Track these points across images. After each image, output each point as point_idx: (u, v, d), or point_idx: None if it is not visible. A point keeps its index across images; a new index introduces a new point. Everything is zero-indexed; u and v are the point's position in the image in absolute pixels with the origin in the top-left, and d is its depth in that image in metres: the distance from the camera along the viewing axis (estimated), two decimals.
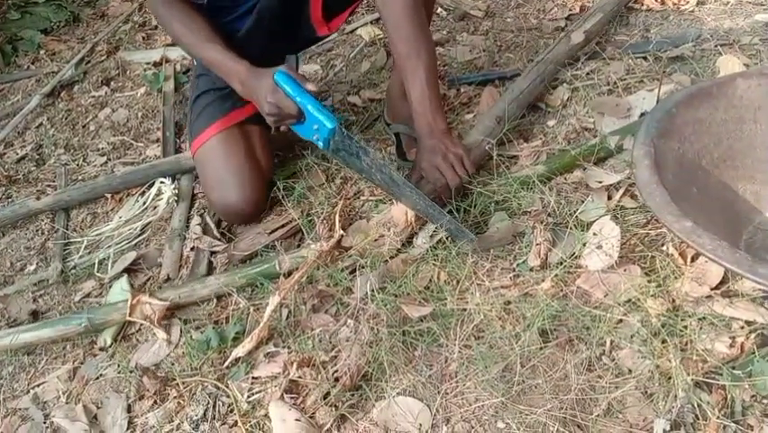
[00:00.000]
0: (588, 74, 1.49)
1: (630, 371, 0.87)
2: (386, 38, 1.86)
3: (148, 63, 2.02)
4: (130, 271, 1.34)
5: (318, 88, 1.28)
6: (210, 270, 1.30)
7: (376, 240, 1.19)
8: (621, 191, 1.14)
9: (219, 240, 1.34)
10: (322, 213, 1.28)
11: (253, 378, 1.05)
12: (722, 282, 0.93)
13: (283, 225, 1.31)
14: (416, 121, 1.23)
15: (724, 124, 1.04)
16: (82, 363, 1.18)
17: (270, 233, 1.31)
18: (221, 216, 1.38)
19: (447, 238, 1.14)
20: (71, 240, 1.46)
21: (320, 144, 1.15)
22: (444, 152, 1.19)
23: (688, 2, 1.69)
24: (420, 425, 0.90)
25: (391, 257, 1.15)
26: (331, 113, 1.13)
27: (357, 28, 1.97)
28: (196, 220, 1.38)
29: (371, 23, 1.97)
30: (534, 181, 1.19)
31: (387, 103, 1.51)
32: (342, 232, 1.21)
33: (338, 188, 1.36)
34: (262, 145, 1.39)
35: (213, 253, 1.32)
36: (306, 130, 1.16)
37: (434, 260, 1.12)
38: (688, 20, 1.62)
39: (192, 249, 1.34)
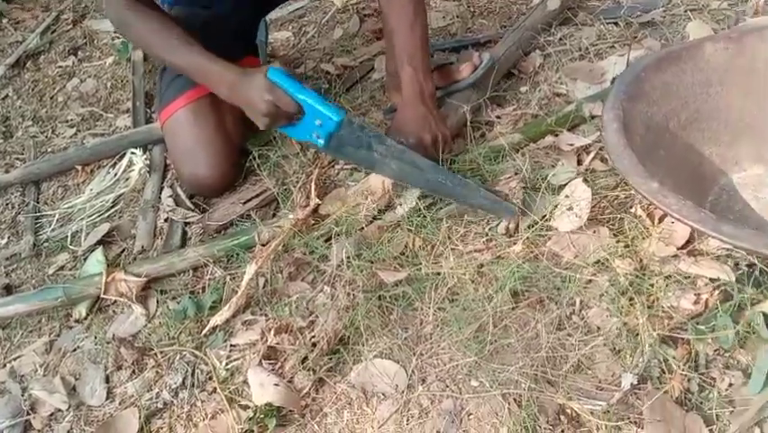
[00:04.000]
0: (560, 40, 1.49)
1: (599, 328, 0.89)
2: (358, 4, 1.84)
3: (116, 32, 1.97)
4: (104, 243, 1.33)
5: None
6: (184, 241, 1.29)
7: (353, 207, 1.20)
8: (592, 155, 1.16)
9: (193, 211, 1.33)
10: (297, 182, 1.28)
11: (231, 346, 1.06)
12: (688, 242, 0.96)
13: (258, 195, 1.30)
14: (404, 83, 1.23)
15: (691, 88, 1.06)
16: (58, 336, 1.18)
17: (245, 202, 1.30)
18: (190, 190, 1.37)
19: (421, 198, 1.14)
20: (42, 213, 1.45)
21: (319, 143, 1.12)
22: (434, 132, 1.18)
23: None
24: (396, 385, 0.92)
25: (367, 224, 1.16)
26: (336, 106, 1.10)
27: None
28: (167, 192, 1.37)
29: None
30: (508, 152, 1.20)
31: (387, 80, 1.47)
32: (317, 200, 1.22)
33: (313, 157, 1.36)
34: (234, 115, 1.37)
35: (187, 223, 1.32)
36: (302, 130, 1.13)
37: (410, 226, 1.13)
38: None
39: (166, 220, 1.34)
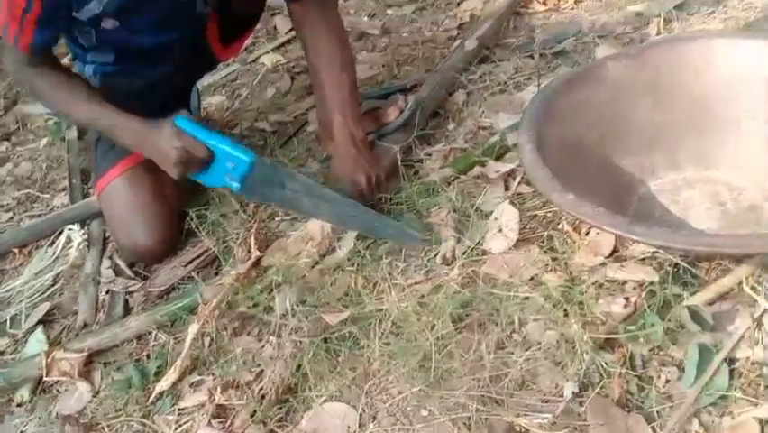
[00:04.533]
0: (480, 77, 1.56)
1: (539, 343, 0.91)
2: (288, 63, 1.90)
3: (48, 113, 1.98)
4: (45, 322, 1.30)
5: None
6: (127, 310, 1.27)
7: (295, 256, 1.21)
8: (518, 179, 1.20)
9: (133, 279, 1.31)
10: (238, 238, 1.29)
11: (180, 409, 1.04)
12: (614, 250, 0.99)
13: (198, 256, 1.30)
14: (336, 130, 1.27)
15: (600, 105, 1.11)
16: (0, 423, 1.13)
17: (186, 264, 1.30)
18: (130, 258, 1.36)
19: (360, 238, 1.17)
20: None
21: (234, 186, 1.13)
22: (369, 174, 1.23)
23: (567, 1, 1.80)
24: (348, 427, 0.91)
25: (309, 270, 1.17)
26: (247, 148, 1.12)
27: (260, 56, 2.00)
28: (106, 263, 1.36)
29: (273, 50, 2.00)
30: (439, 185, 1.24)
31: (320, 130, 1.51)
32: (258, 253, 1.22)
33: (252, 212, 1.37)
34: (171, 182, 1.38)
35: (128, 293, 1.30)
36: (215, 176, 1.14)
37: (351, 267, 1.14)
38: (568, 18, 1.73)
39: (107, 292, 1.32)
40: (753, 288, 0.88)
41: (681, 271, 0.92)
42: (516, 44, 1.65)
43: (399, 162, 1.29)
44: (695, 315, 0.85)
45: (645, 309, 0.86)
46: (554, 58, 1.54)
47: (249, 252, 1.23)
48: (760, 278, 0.89)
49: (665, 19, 1.55)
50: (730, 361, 0.82)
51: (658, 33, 1.54)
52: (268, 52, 2.00)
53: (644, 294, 0.90)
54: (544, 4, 1.81)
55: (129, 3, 1.15)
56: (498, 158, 1.30)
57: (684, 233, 0.93)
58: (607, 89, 1.12)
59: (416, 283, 1.08)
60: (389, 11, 2.07)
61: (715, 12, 1.55)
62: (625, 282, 0.93)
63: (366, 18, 2.06)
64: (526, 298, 0.97)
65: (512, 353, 0.91)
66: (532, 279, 0.99)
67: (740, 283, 0.88)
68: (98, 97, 1.20)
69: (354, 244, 1.17)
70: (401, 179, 1.28)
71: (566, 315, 0.91)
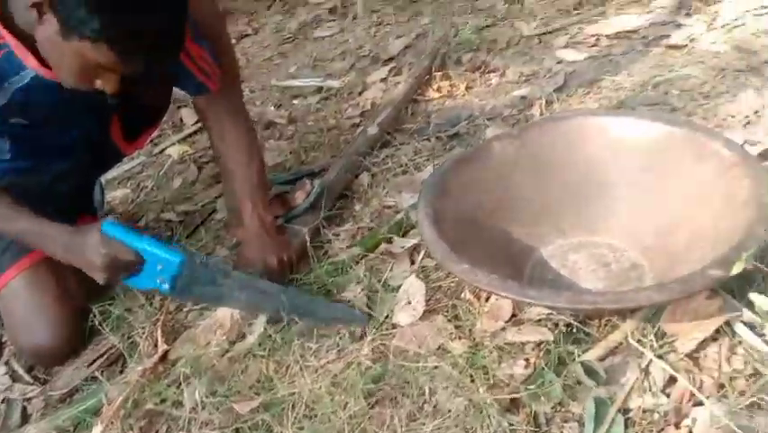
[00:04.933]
0: (383, 160, 1.64)
1: (449, 410, 0.93)
2: (195, 153, 1.92)
3: None
4: None
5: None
6: (25, 418, 1.20)
7: (204, 346, 1.19)
8: (422, 253, 1.25)
9: (32, 384, 1.24)
10: (144, 332, 1.25)
11: None
12: (513, 315, 1.05)
13: (102, 354, 1.25)
14: (245, 216, 1.31)
15: (489, 181, 1.20)
16: None
17: (90, 364, 1.24)
18: (31, 361, 1.29)
19: (270, 322, 1.17)
20: None
21: (165, 288, 1.11)
22: (279, 257, 1.26)
23: (459, 88, 1.94)
24: None
25: (219, 359, 1.15)
26: (176, 248, 1.12)
27: (166, 148, 2.01)
28: (2, 370, 1.28)
29: (179, 141, 2.03)
30: (348, 264, 1.27)
31: (229, 217, 1.52)
32: (166, 346, 1.19)
33: (159, 305, 1.34)
34: (78, 276, 1.33)
35: (27, 399, 1.22)
36: (146, 278, 1.11)
37: (262, 352, 1.13)
38: (460, 103, 1.86)
39: (3, 401, 1.24)
40: (638, 340, 0.94)
41: (574, 330, 0.98)
42: (415, 129, 1.76)
43: (308, 244, 1.32)
44: (589, 370, 0.90)
45: (543, 368, 0.90)
46: (450, 140, 1.65)
47: (155, 345, 1.20)
48: (645, 330, 0.96)
49: (547, 101, 1.70)
50: (625, 411, 0.87)
51: (541, 114, 1.68)
52: (174, 144, 2.02)
53: (541, 354, 0.95)
54: (438, 91, 1.94)
55: (32, 99, 1.15)
56: (404, 234, 1.35)
57: (568, 293, 1.00)
58: (494, 167, 1.21)
59: (328, 363, 1.08)
60: (295, 101, 2.16)
61: (590, 92, 1.73)
62: (524, 344, 0.98)
63: (272, 108, 2.13)
64: (435, 367, 1.00)
65: (424, 424, 0.92)
66: (439, 348, 1.02)
67: (627, 337, 0.95)
68: (22, 209, 1.16)
69: (265, 328, 1.17)
70: (311, 261, 1.31)
71: (472, 380, 0.94)
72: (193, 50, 1.21)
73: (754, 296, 0.87)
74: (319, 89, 2.16)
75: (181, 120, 2.18)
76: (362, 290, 1.19)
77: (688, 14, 1.93)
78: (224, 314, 1.21)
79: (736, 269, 0.82)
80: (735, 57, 1.65)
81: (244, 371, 1.11)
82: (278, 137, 1.97)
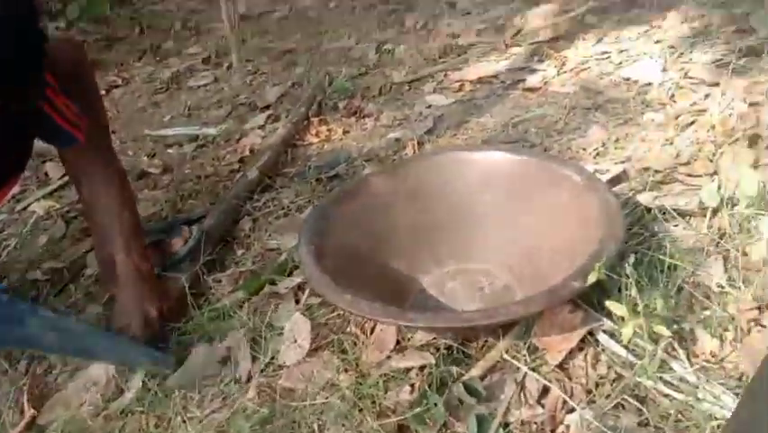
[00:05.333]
0: (264, 204, 1.64)
1: None
2: (62, 208, 1.81)
3: None
4: None
5: None
6: None
7: (77, 407, 1.11)
8: (307, 292, 1.25)
9: None
10: (8, 400, 1.15)
11: None
12: (398, 343, 1.07)
13: None
14: (119, 268, 1.24)
15: (368, 215, 1.24)
16: None
17: None
18: None
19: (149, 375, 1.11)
20: None
21: None
22: (158, 307, 1.21)
23: (336, 132, 1.99)
24: None
25: (94, 419, 1.07)
26: None
27: (30, 204, 1.88)
28: None
29: (44, 196, 1.91)
30: (230, 309, 1.25)
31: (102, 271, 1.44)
32: (33, 411, 1.10)
33: (25, 369, 1.24)
34: None
35: None
36: None
37: (141, 407, 1.07)
38: (339, 146, 1.91)
39: None
40: (513, 356, 1.00)
41: (454, 352, 1.02)
42: (295, 172, 1.77)
43: (187, 291, 1.28)
44: (470, 389, 0.94)
45: (427, 391, 0.93)
46: (329, 181, 1.69)
47: (21, 412, 1.11)
48: (518, 347, 1.02)
49: (419, 142, 1.79)
50: (505, 425, 0.91)
51: (414, 154, 1.76)
52: (39, 199, 1.89)
53: (425, 377, 0.97)
54: (317, 135, 1.98)
55: None
56: (289, 275, 1.35)
57: (446, 314, 1.04)
58: (372, 201, 1.26)
59: (213, 412, 1.05)
60: (170, 150, 2.11)
61: (457, 133, 1.84)
62: (408, 370, 1.00)
63: (146, 158, 2.07)
64: (324, 403, 0.99)
65: None
66: (327, 383, 1.02)
67: (502, 354, 1.00)
68: None
69: (143, 382, 1.11)
70: (191, 308, 1.27)
71: (360, 411, 0.94)
72: (58, 101, 1.17)
73: (610, 303, 0.95)
74: (195, 138, 2.13)
75: (46, 174, 2.05)
76: (246, 333, 1.17)
77: (540, 60, 2.12)
78: (98, 371, 1.14)
79: (592, 278, 0.89)
80: (583, 96, 1.83)
81: (122, 429, 1.05)
82: (152, 187, 1.90)
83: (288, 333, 1.13)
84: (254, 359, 1.11)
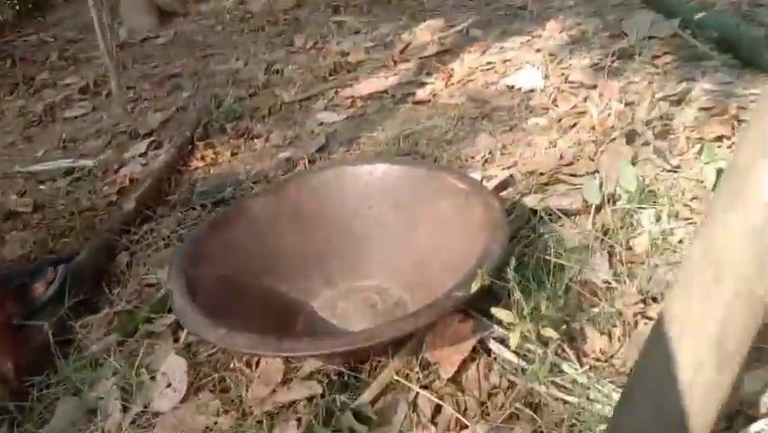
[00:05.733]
0: (143, 236, 1.52)
1: None
2: None
3: None
4: None
5: None
6: None
7: None
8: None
9: None
10: None
11: None
12: (285, 374, 0.99)
13: None
14: None
15: (248, 240, 1.15)
16: None
17: None
18: None
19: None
20: None
21: None
22: (15, 361, 1.10)
23: (224, 155, 1.89)
24: None
25: None
26: None
27: None
28: None
29: None
30: (101, 355, 1.13)
31: None
32: None
33: None
34: None
35: None
36: None
37: None
38: (227, 170, 1.81)
39: None
40: (406, 375, 0.94)
41: (346, 378, 0.96)
42: (177, 199, 1.66)
43: (51, 340, 1.14)
44: (359, 416, 0.87)
45: (314, 424, 0.86)
46: (215, 206, 1.59)
47: None
48: (411, 364, 0.96)
49: (310, 160, 1.73)
50: None
51: (295, 172, 1.69)
52: None
53: (311, 408, 0.90)
54: (203, 160, 1.88)
55: None
56: (169, 311, 1.24)
57: (327, 339, 0.98)
58: (252, 225, 1.18)
59: None
60: (42, 186, 1.94)
61: (350, 149, 1.79)
62: (295, 403, 0.93)
63: (15, 197, 1.89)
64: None
65: None
66: (206, 429, 0.93)
67: (393, 375, 0.94)
68: None
69: None
70: (56, 359, 1.13)
71: None
72: None
73: (495, 310, 0.91)
74: (71, 171, 1.97)
75: None
76: (117, 381, 1.05)
77: (428, 74, 2.12)
78: None
79: (475, 286, 0.86)
80: (470, 106, 1.84)
81: None
82: (21, 227, 1.73)
83: (162, 377, 1.02)
84: (125, 409, 1.00)
